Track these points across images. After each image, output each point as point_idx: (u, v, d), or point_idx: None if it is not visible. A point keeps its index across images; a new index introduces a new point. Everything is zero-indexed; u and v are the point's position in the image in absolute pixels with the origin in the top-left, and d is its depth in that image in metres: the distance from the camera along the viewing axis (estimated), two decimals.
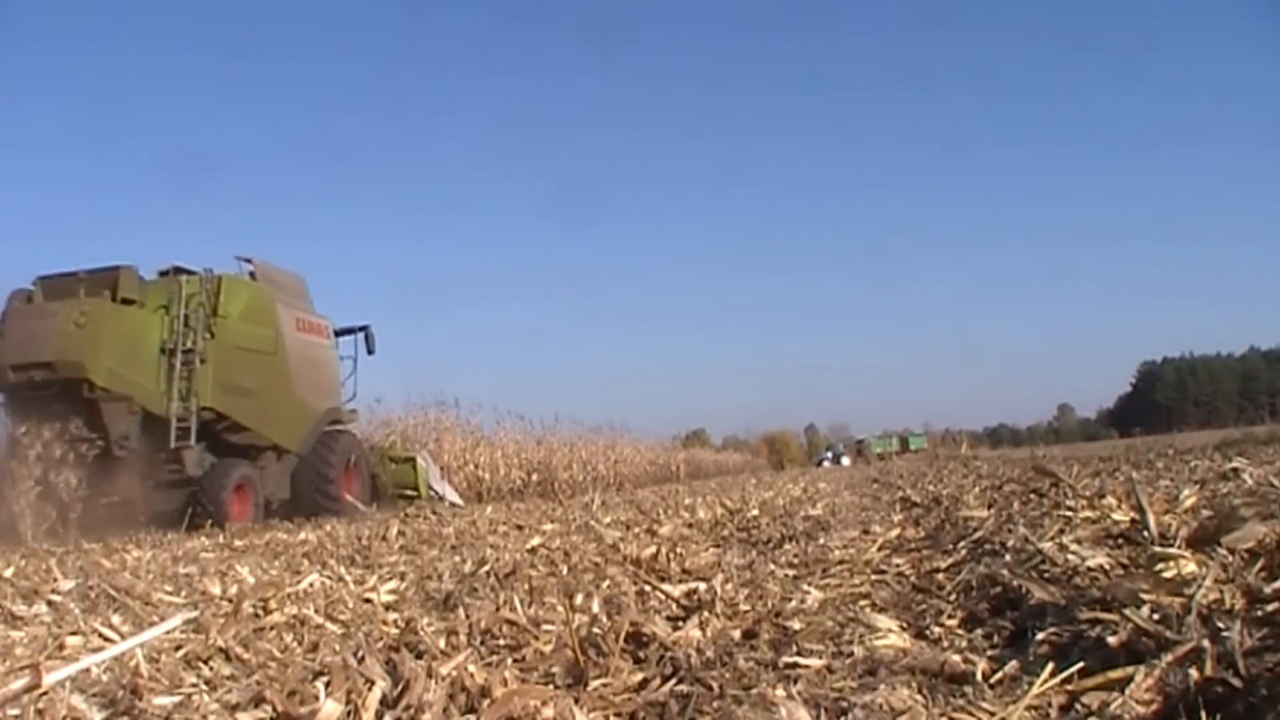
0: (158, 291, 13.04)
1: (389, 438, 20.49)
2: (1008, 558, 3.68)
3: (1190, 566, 2.82)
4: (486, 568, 4.82)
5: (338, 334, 16.14)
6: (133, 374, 12.39)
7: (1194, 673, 1.97)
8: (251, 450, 13.83)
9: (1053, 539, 3.67)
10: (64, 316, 12.12)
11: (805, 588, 3.75)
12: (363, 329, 16.46)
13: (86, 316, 12.11)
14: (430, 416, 24.65)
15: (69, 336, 11.98)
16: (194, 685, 2.65)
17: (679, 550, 5.25)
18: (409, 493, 16.65)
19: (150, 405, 12.44)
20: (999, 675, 2.34)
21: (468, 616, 3.32)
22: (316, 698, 2.29)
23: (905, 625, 3.03)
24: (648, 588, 3.78)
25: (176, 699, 2.48)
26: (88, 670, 2.58)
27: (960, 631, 2.94)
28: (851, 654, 2.66)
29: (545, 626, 3.10)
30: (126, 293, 12.59)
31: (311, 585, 4.41)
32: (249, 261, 14.32)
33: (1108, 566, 3.08)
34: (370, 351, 16.57)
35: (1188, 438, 26.58)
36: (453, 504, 16.75)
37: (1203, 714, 1.89)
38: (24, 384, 12.03)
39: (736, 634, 2.97)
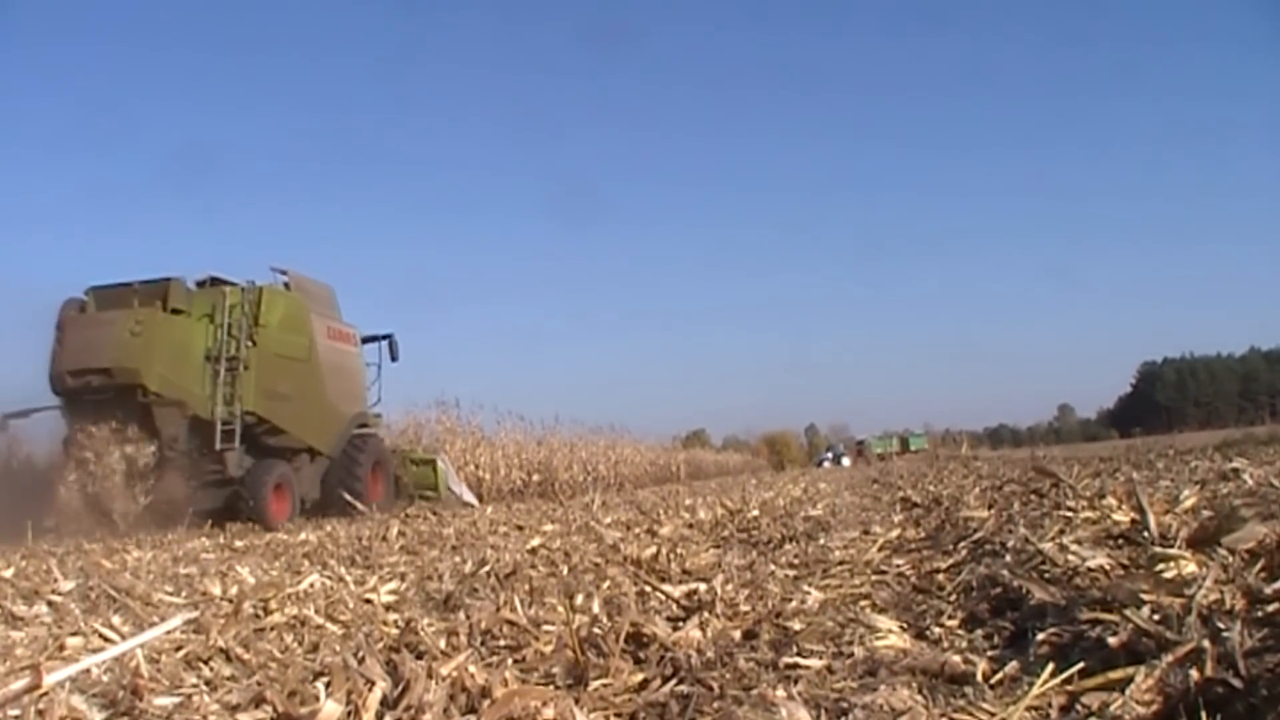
0: (202, 301, 13.69)
1: (410, 440, 21.33)
2: (1008, 558, 3.68)
3: (1190, 567, 2.82)
4: (487, 568, 4.82)
5: (363, 341, 16.79)
6: (182, 380, 13.01)
7: (1194, 673, 1.97)
8: (287, 452, 14.44)
9: (1053, 539, 3.67)
10: (120, 326, 12.77)
11: (805, 588, 3.75)
12: (386, 337, 17.15)
13: (141, 326, 12.81)
14: (431, 417, 24.67)
15: (125, 344, 12.64)
16: (194, 686, 2.65)
17: (679, 551, 5.25)
18: (429, 493, 17.15)
19: (197, 409, 13.03)
20: (999, 676, 2.34)
21: (468, 617, 3.32)
22: (317, 698, 2.29)
23: (905, 626, 3.03)
24: (648, 588, 3.78)
25: (177, 699, 2.48)
26: (88, 671, 2.58)
27: (960, 632, 2.94)
28: (852, 654, 2.66)
29: (545, 627, 3.10)
30: (176, 303, 13.24)
31: (312, 586, 4.41)
32: (284, 273, 15.01)
33: (1108, 567, 3.08)
34: (394, 359, 17.25)
35: (1188, 438, 26.60)
36: (468, 504, 17.23)
37: (1203, 714, 1.89)
38: (81, 389, 12.64)
39: (737, 634, 2.98)
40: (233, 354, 13.38)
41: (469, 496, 18.94)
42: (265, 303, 13.95)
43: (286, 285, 14.91)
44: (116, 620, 3.69)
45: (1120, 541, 3.55)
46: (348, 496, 13.45)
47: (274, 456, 14.10)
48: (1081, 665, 2.15)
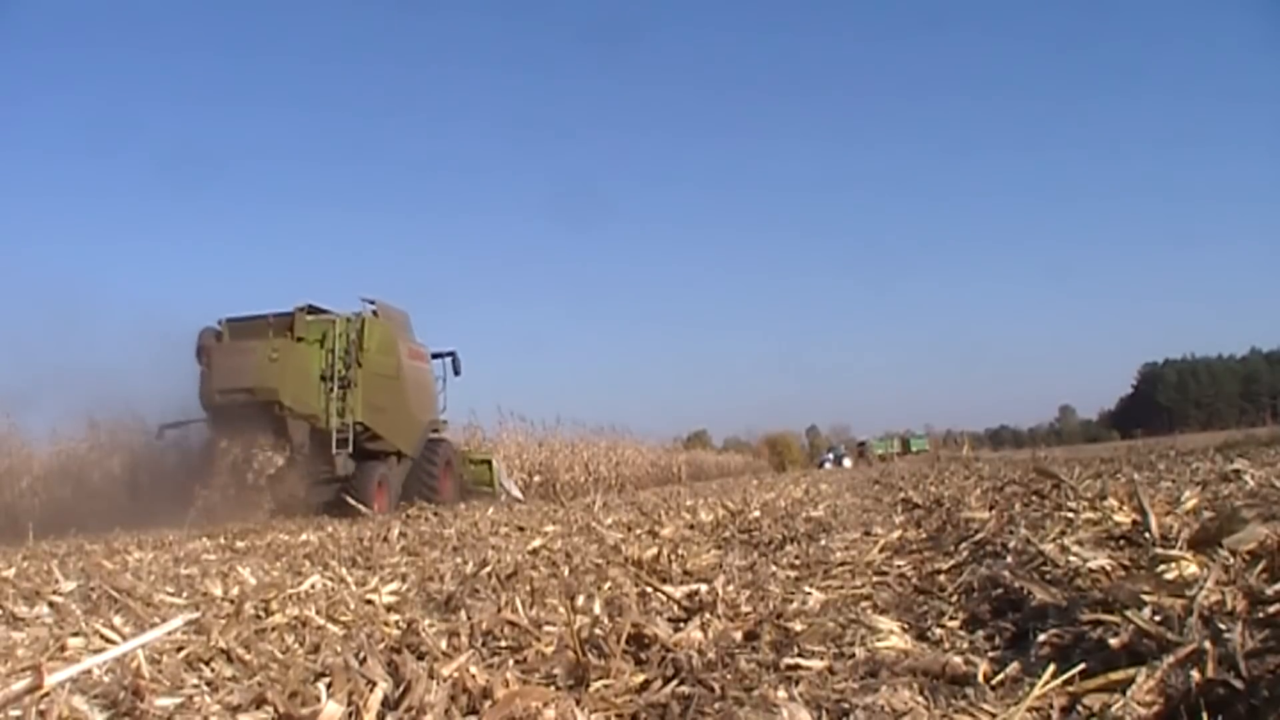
0: (314, 329, 16.22)
1: (469, 442, 23.90)
2: (1009, 559, 3.68)
3: (1192, 568, 2.82)
4: (488, 569, 4.82)
5: (432, 357, 19.16)
6: (306, 396, 15.74)
7: (1195, 674, 1.97)
8: (382, 455, 16.86)
9: (1054, 540, 3.67)
10: (260, 353, 15.52)
11: (807, 589, 3.76)
12: (450, 354, 19.47)
13: (278, 353, 15.55)
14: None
15: (265, 368, 15.40)
16: (195, 686, 2.66)
17: (680, 552, 5.25)
18: (485, 489, 19.38)
19: (318, 421, 15.76)
20: (1000, 677, 2.34)
21: (469, 618, 3.32)
22: (318, 699, 2.29)
23: (907, 627, 3.03)
24: (649, 589, 3.78)
25: (178, 700, 2.49)
26: (89, 671, 2.58)
27: (962, 633, 2.94)
28: (853, 655, 2.66)
29: (547, 628, 3.10)
30: (300, 333, 15.93)
31: (313, 587, 4.41)
32: (372, 302, 17.22)
33: (1109, 568, 3.08)
34: (457, 373, 19.52)
35: (1189, 439, 26.61)
36: (515, 499, 19.16)
37: (1204, 715, 1.89)
38: (227, 404, 15.26)
39: (738, 635, 2.97)
40: (344, 374, 16.00)
41: (516, 492, 21.12)
42: (367, 331, 16.44)
43: (375, 313, 17.08)
44: (118, 621, 3.69)
45: (1121, 543, 3.55)
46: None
47: (372, 459, 16.50)
48: (1083, 666, 2.15)
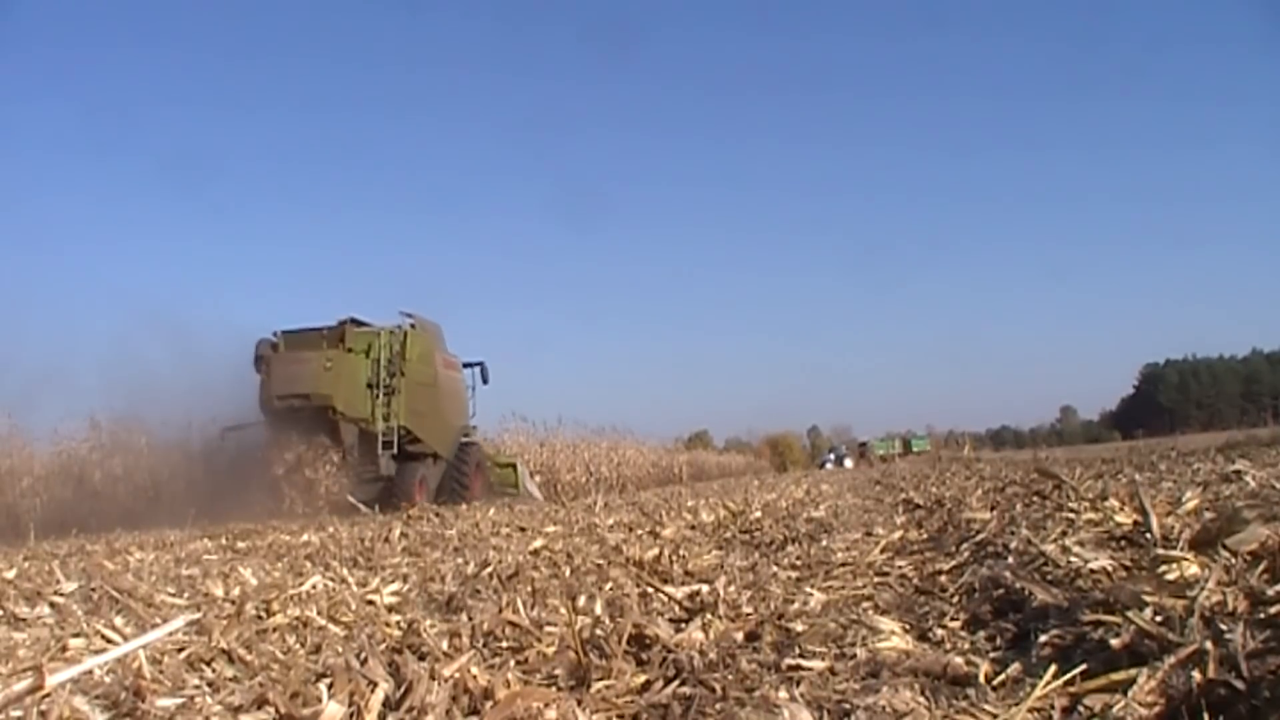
0: (360, 340, 17.80)
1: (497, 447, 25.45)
2: (1010, 560, 3.68)
3: (1193, 569, 2.82)
4: (489, 570, 4.82)
5: (463, 366, 20.79)
6: (356, 402, 17.31)
7: (1196, 675, 1.97)
8: (421, 456, 18.44)
9: (1055, 541, 3.67)
10: (315, 362, 17.16)
11: (808, 590, 3.76)
12: (479, 364, 20.97)
13: (331, 363, 17.13)
14: None
15: (320, 376, 16.99)
16: (196, 687, 2.66)
17: (682, 552, 5.25)
18: (510, 490, 20.81)
19: (366, 424, 17.35)
20: (1001, 677, 2.34)
21: (470, 618, 3.32)
22: (319, 699, 2.30)
23: (908, 627, 3.03)
24: (650, 590, 3.78)
25: (179, 701, 2.49)
26: (90, 672, 2.58)
27: (963, 634, 2.94)
28: (854, 656, 2.66)
29: (548, 628, 3.10)
30: (350, 344, 17.54)
31: (314, 587, 4.41)
32: (410, 316, 18.75)
33: (1110, 569, 3.08)
34: (485, 381, 21.09)
35: (1190, 440, 26.60)
36: (535, 499, 20.34)
37: (1205, 716, 1.89)
38: (285, 409, 16.85)
39: (739, 636, 2.97)
40: (388, 382, 17.56)
41: (538, 494, 22.66)
42: (409, 342, 18.05)
43: (413, 326, 18.55)
44: (119, 621, 3.70)
45: (1123, 543, 3.55)
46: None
47: (413, 460, 18.09)
48: (1084, 667, 2.15)
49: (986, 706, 2.11)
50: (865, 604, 3.54)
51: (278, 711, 2.26)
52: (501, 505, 14.60)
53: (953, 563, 4.27)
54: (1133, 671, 2.05)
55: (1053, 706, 2.05)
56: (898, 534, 5.70)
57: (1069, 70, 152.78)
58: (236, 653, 3.03)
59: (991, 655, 2.58)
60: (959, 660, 2.49)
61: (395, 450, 17.45)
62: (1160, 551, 3.10)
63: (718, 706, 2.27)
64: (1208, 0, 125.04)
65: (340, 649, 3.10)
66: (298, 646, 3.26)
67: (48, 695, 2.21)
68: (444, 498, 17.58)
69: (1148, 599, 2.44)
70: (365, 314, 18.29)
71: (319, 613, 3.75)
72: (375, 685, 2.27)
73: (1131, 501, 4.35)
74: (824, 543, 5.58)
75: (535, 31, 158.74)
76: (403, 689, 2.27)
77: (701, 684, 2.44)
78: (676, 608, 3.42)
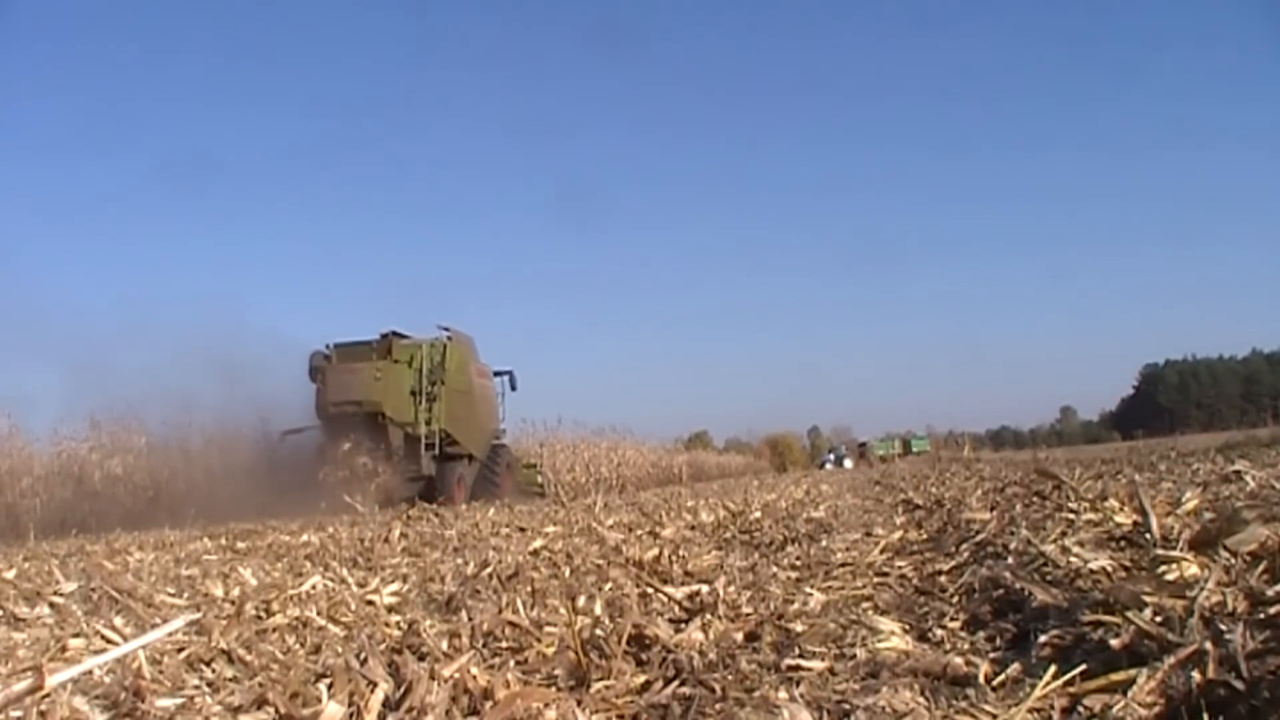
0: (405, 352, 19.84)
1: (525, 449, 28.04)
2: (1010, 560, 3.68)
3: (1193, 569, 2.82)
4: (489, 570, 4.82)
5: (494, 374, 22.96)
6: (402, 408, 19.26)
7: (1196, 675, 1.97)
8: (458, 457, 20.35)
9: (1055, 541, 3.66)
10: (366, 373, 19.16)
11: (808, 590, 3.76)
12: (508, 372, 23.15)
13: (381, 373, 19.18)
14: None
15: (371, 385, 19.02)
16: (196, 687, 2.66)
17: (681, 552, 5.25)
18: (535, 489, 22.95)
19: (410, 428, 19.29)
20: (1001, 678, 2.34)
21: (470, 619, 3.32)
22: (319, 700, 2.30)
23: (908, 628, 3.03)
24: (650, 590, 3.78)
25: (179, 701, 2.49)
26: (90, 672, 2.58)
27: (962, 634, 2.94)
28: (854, 656, 2.66)
29: (548, 629, 3.10)
30: (396, 355, 19.68)
31: (314, 587, 4.41)
32: (447, 329, 20.73)
33: (1110, 569, 3.08)
34: (513, 388, 23.26)
35: (1190, 440, 26.60)
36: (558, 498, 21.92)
37: (1205, 716, 1.89)
38: (339, 415, 18.84)
39: (739, 636, 2.97)
40: (430, 390, 19.49)
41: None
42: (448, 354, 20.03)
43: (450, 339, 20.46)
44: (118, 622, 3.69)
45: (1122, 543, 3.55)
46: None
47: (451, 461, 20.03)
48: (1083, 667, 2.15)
49: (986, 707, 2.11)
50: (865, 604, 3.54)
51: (277, 711, 2.26)
52: (501, 506, 14.87)
53: (952, 563, 4.27)
54: (1132, 672, 2.05)
55: (1052, 707, 2.05)
56: (897, 534, 5.70)
57: (1069, 70, 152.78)
58: (236, 653, 3.03)
59: (991, 655, 2.58)
60: (959, 660, 2.49)
61: (436, 451, 19.34)
62: (1160, 552, 3.10)
63: (717, 707, 2.27)
64: (1208, 0, 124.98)
65: (340, 649, 3.10)
66: (297, 647, 3.26)
67: (48, 695, 2.21)
68: (479, 496, 19.15)
69: (1147, 599, 2.44)
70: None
71: (319, 613, 3.74)
72: (375, 685, 2.27)
73: (1131, 502, 4.35)
74: (824, 543, 5.58)
75: (536, 31, 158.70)
76: (402, 689, 2.27)
77: (701, 684, 2.44)
78: (676, 608, 3.42)
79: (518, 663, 2.78)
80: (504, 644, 3.03)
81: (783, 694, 2.29)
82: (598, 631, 2.93)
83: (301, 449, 19.34)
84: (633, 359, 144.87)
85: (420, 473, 19.16)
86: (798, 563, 4.80)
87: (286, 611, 3.78)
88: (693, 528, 7.27)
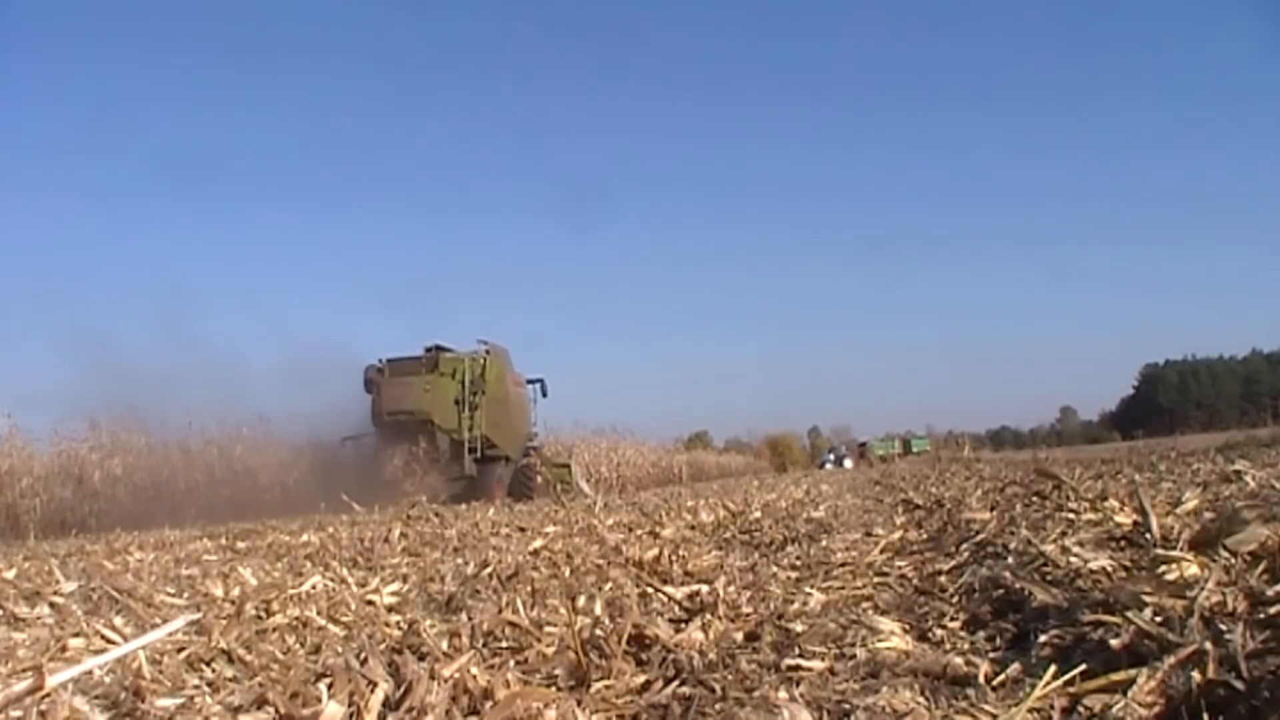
0: (449, 365, 22.28)
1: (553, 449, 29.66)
2: (1010, 560, 3.68)
3: (1193, 569, 2.82)
4: (489, 570, 4.82)
5: (527, 382, 25.43)
6: (448, 416, 21.76)
7: (1196, 675, 1.97)
8: (496, 459, 22.68)
9: (1055, 541, 3.66)
10: (417, 385, 21.79)
11: (808, 590, 3.76)
12: (539, 380, 25.77)
13: (430, 385, 21.78)
14: None
15: (422, 396, 21.67)
16: (196, 687, 2.66)
17: (681, 552, 5.25)
18: (565, 488, 23.54)
19: (455, 434, 21.70)
20: (1001, 678, 2.34)
21: (470, 619, 3.32)
22: (319, 700, 2.29)
23: (907, 628, 3.03)
24: (650, 590, 3.78)
25: (179, 701, 2.49)
26: (90, 672, 2.58)
27: (962, 634, 2.94)
28: (854, 656, 2.66)
29: (548, 628, 3.10)
30: (443, 369, 22.17)
31: (314, 587, 4.41)
32: (485, 343, 23.32)
33: (1110, 569, 3.08)
34: (544, 395, 25.88)
35: (1190, 440, 26.57)
36: (587, 495, 22.39)
37: (1205, 716, 1.89)
38: (393, 424, 21.43)
39: (739, 636, 2.98)
40: (472, 399, 21.90)
41: (588, 490, 25.24)
42: (488, 367, 22.49)
43: (488, 352, 22.93)
44: (119, 621, 3.70)
45: (1122, 543, 3.55)
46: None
47: (491, 463, 22.38)
48: (1083, 667, 2.15)
49: (986, 707, 2.11)
50: (865, 604, 3.54)
51: (277, 711, 2.26)
52: (502, 505, 15.06)
53: (952, 563, 4.27)
54: (1132, 672, 2.05)
55: (1052, 707, 2.05)
56: (897, 534, 5.70)
57: (1069, 70, 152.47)
58: (236, 653, 3.03)
59: (991, 655, 2.58)
60: (959, 660, 2.49)
61: (478, 454, 21.80)
62: (1160, 552, 3.10)
63: (717, 707, 2.27)
64: (1208, 0, 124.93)
65: (340, 649, 3.10)
66: (297, 646, 3.26)
67: (48, 695, 2.21)
68: (514, 494, 21.53)
69: (1147, 599, 2.45)
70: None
71: (319, 613, 3.75)
72: (375, 685, 2.27)
73: (1131, 502, 4.35)
74: (824, 543, 5.58)
75: (535, 31, 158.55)
76: (402, 689, 2.27)
77: (701, 684, 2.44)
78: (676, 608, 3.42)
79: (518, 663, 2.78)
80: (504, 644, 3.03)
81: (783, 694, 2.29)
82: (598, 631, 2.93)
83: (362, 452, 21.94)
84: (633, 359, 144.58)
85: (463, 473, 21.45)
86: (798, 563, 4.80)
87: (286, 611, 3.78)
88: (693, 528, 7.27)
